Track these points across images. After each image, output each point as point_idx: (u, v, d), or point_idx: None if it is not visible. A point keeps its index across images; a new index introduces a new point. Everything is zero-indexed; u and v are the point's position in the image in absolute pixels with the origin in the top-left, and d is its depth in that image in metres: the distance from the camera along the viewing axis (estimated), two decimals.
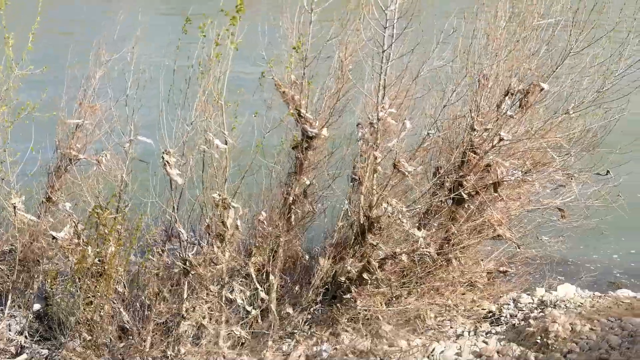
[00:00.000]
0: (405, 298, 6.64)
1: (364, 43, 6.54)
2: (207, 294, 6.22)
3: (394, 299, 6.62)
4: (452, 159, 6.84)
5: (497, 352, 6.39)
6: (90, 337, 6.14)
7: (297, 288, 6.65)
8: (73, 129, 6.76)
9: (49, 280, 6.52)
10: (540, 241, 7.16)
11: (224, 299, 6.27)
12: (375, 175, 6.52)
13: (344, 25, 6.53)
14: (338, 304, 6.59)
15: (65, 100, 6.63)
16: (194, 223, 6.49)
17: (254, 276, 6.41)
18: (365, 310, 6.50)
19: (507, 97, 6.90)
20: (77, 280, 6.17)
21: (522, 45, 6.87)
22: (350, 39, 6.59)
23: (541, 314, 6.76)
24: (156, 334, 6.15)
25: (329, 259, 6.55)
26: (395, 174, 6.54)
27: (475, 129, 6.85)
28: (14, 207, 6.30)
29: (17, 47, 6.08)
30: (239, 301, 6.31)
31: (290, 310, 6.48)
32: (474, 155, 6.80)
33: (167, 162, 5.99)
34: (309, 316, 6.56)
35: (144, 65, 6.36)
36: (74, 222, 6.26)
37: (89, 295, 6.13)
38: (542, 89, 6.76)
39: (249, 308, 6.36)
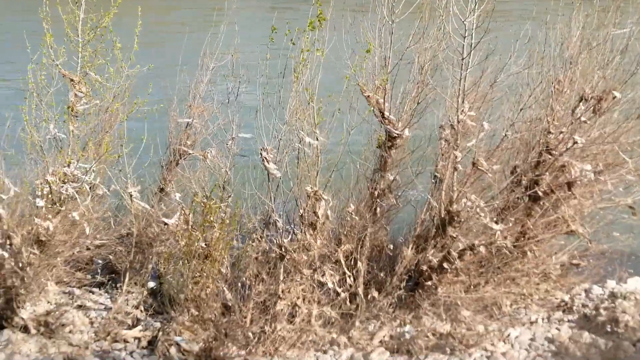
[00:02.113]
0: (483, 286, 7.07)
1: (442, 49, 7.07)
2: (301, 277, 6.78)
3: (472, 287, 7.05)
4: (529, 159, 7.28)
5: (569, 339, 6.78)
6: (197, 313, 6.82)
7: (382, 274, 7.17)
8: (184, 127, 7.55)
9: (161, 261, 7.19)
10: (612, 237, 7.49)
11: (316, 282, 6.85)
12: (455, 173, 7.01)
13: (423, 33, 7.06)
14: (420, 290, 7.07)
15: (176, 102, 7.42)
16: (289, 213, 7.07)
17: (343, 262, 6.96)
18: (446, 297, 6.96)
19: (581, 103, 7.30)
20: (185, 261, 6.88)
21: (596, 53, 7.27)
22: (429, 45, 7.11)
23: (612, 304, 7.08)
24: (255, 311, 6.73)
25: (411, 249, 7.07)
26: (475, 171, 7.02)
27: (550, 132, 7.27)
28: (131, 196, 7.11)
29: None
30: (330, 284, 6.85)
31: (375, 294, 7.00)
32: (549, 156, 7.19)
33: (265, 157, 6.65)
34: (393, 300, 7.01)
35: (243, 70, 7.07)
36: (184, 210, 7.00)
37: (196, 275, 6.80)
38: (614, 97, 7.15)
39: (338, 290, 6.88)
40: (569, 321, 7.07)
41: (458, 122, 6.99)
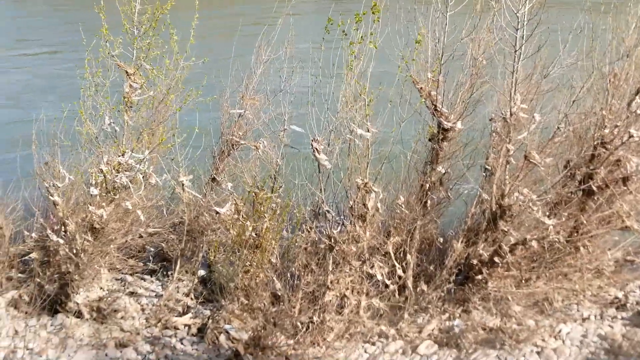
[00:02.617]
0: (534, 282, 6.97)
1: (495, 41, 6.98)
2: (350, 268, 6.76)
3: (523, 281, 6.95)
4: (582, 153, 7.14)
5: (623, 337, 6.65)
6: (247, 302, 6.87)
7: (431, 268, 7.12)
8: (236, 118, 7.56)
9: (211, 250, 7.26)
10: None
11: (365, 273, 6.84)
12: (507, 166, 6.92)
13: (476, 25, 6.98)
14: (470, 284, 7.01)
15: (229, 93, 7.47)
16: (339, 204, 7.07)
17: (392, 254, 6.94)
18: (496, 291, 6.89)
19: (637, 96, 7.13)
20: (236, 250, 6.93)
21: None
22: (482, 37, 7.03)
23: None
24: (304, 301, 6.73)
25: (462, 242, 7.01)
26: (527, 165, 6.91)
27: (605, 126, 7.12)
28: (183, 185, 7.17)
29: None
30: (379, 276, 6.83)
31: (424, 287, 6.96)
32: (604, 150, 7.05)
33: (316, 149, 6.62)
34: (442, 293, 6.96)
35: (296, 62, 7.09)
36: (235, 199, 7.04)
37: (246, 264, 6.84)
38: None
39: (387, 283, 6.86)
40: (622, 318, 6.93)
41: (510, 114, 6.89)
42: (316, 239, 6.91)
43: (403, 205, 6.99)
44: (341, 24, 6.31)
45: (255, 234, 6.85)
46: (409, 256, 6.97)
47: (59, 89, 16.40)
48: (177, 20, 6.96)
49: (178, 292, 7.26)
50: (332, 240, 6.66)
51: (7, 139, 12.16)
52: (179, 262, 7.38)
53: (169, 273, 7.54)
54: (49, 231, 6.92)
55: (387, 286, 6.91)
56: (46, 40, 24.59)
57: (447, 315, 6.95)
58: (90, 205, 6.77)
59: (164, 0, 6.63)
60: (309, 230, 6.96)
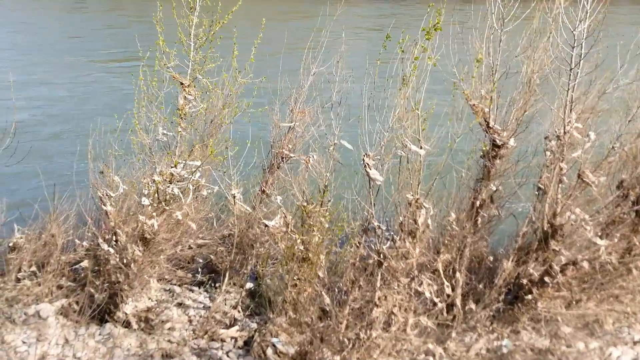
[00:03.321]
0: (585, 303, 6.82)
1: (551, 59, 6.89)
2: (398, 285, 6.69)
3: (573, 302, 6.81)
4: (636, 173, 7.00)
5: None
6: (294, 315, 6.83)
7: (481, 286, 7.02)
8: (285, 131, 7.57)
9: (260, 263, 7.26)
10: None
11: (413, 290, 6.76)
12: (560, 185, 6.81)
13: (532, 43, 6.90)
14: (519, 304, 6.89)
15: (278, 106, 7.47)
16: (389, 220, 7.05)
17: (441, 272, 6.85)
18: (546, 312, 6.76)
19: None
20: (284, 264, 6.92)
21: None
22: (538, 55, 6.94)
23: None
24: (351, 317, 6.67)
25: (512, 261, 6.90)
26: (580, 184, 6.80)
27: None
28: (234, 197, 7.17)
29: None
30: (427, 294, 6.74)
31: (473, 306, 6.86)
32: None
33: (367, 163, 6.59)
34: (491, 313, 6.84)
35: (348, 76, 7.05)
36: (284, 213, 7.01)
37: (294, 278, 6.82)
38: None
39: (435, 300, 6.77)
40: None
41: (565, 133, 6.78)
42: (365, 254, 6.84)
43: (454, 223, 6.90)
44: (401, 42, 6.30)
45: (304, 248, 6.80)
46: (458, 274, 6.87)
47: (115, 99, 16.70)
48: (232, 31, 6.98)
49: (226, 304, 7.24)
50: (381, 256, 6.59)
51: (63, 149, 12.38)
52: (227, 274, 7.37)
53: (217, 285, 7.52)
54: (100, 240, 6.96)
55: (435, 304, 6.81)
56: (102, 51, 25.07)
57: (495, 334, 6.83)
58: (142, 215, 6.79)
59: (222, 13, 6.66)
60: (358, 245, 6.89)
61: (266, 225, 7.00)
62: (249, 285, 7.45)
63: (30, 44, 26.96)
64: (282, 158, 7.61)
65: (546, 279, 6.76)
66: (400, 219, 6.71)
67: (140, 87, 6.60)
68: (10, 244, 7.46)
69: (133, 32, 6.36)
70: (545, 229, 6.79)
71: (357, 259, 6.87)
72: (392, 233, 7.00)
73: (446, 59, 6.73)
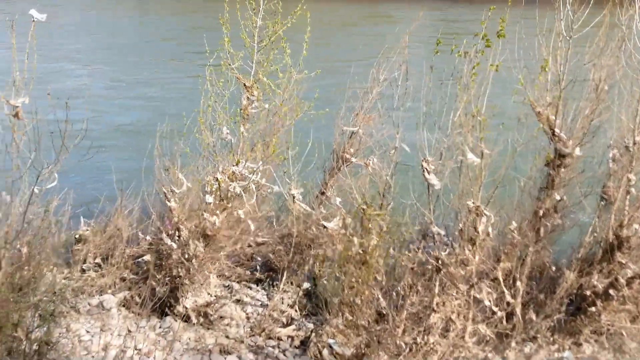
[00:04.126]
0: None
1: (620, 66, 6.68)
2: (457, 291, 6.57)
3: (639, 317, 6.63)
4: None
5: None
6: (351, 318, 6.78)
7: (542, 296, 6.83)
8: (348, 135, 7.59)
9: (317, 264, 7.25)
10: None
11: (472, 298, 6.64)
12: (628, 197, 6.59)
13: (601, 49, 6.71)
14: (582, 316, 6.67)
15: (344, 110, 7.49)
16: (448, 226, 6.94)
17: (501, 280, 6.70)
18: (610, 325, 6.54)
19: None
20: (342, 265, 6.91)
21: None
22: (606, 63, 6.74)
23: None
24: (408, 322, 6.59)
25: (575, 272, 6.70)
26: None
27: None
28: (293, 197, 7.21)
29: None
30: (486, 302, 6.61)
31: (534, 316, 6.67)
32: None
33: (426, 168, 6.53)
34: (552, 323, 6.64)
35: (410, 82, 7.00)
36: (343, 215, 7.02)
37: (351, 280, 6.79)
38: None
39: (495, 309, 6.63)
40: None
41: (634, 143, 6.57)
42: (423, 259, 6.75)
43: (515, 231, 6.75)
44: (454, 47, 6.23)
45: (362, 251, 6.75)
46: (518, 283, 6.71)
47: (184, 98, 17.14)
48: (298, 34, 7.04)
49: (283, 303, 7.25)
50: (440, 262, 6.49)
51: (131, 145, 12.74)
52: (285, 274, 7.39)
53: (275, 283, 7.55)
54: (163, 235, 7.09)
55: (494, 312, 6.66)
56: (170, 51, 25.76)
57: (556, 346, 6.64)
58: (205, 212, 6.89)
59: (285, 15, 6.73)
60: (417, 250, 6.83)
61: (325, 227, 7.03)
62: (306, 285, 7.44)
63: (125, 45, 27.94)
64: (344, 161, 7.59)
65: (611, 291, 6.54)
66: (460, 225, 6.61)
67: (207, 87, 6.72)
68: (77, 236, 7.69)
69: (219, 33, 6.45)
70: (611, 240, 6.58)
71: (416, 264, 6.80)
72: (451, 239, 6.90)
73: (509, 61, 6.63)
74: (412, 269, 6.77)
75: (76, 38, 30.18)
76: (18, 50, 5.61)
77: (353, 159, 7.50)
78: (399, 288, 6.76)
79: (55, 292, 6.66)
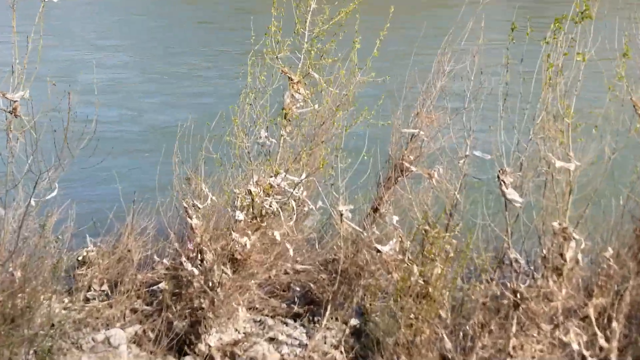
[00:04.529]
0: None
1: None
2: (538, 332, 6.71)
3: None
4: None
5: None
6: None
7: None
8: (408, 139, 7.74)
9: (368, 296, 7.44)
10: None
11: (557, 340, 6.75)
12: None
13: None
14: None
15: (401, 109, 7.68)
16: (529, 251, 7.05)
17: (593, 319, 6.80)
18: None
19: None
20: (398, 298, 7.05)
21: None
22: None
23: None
24: None
25: None
26: None
27: None
28: (341, 216, 7.39)
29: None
30: (574, 345, 6.69)
31: None
32: None
33: (503, 182, 6.66)
34: None
35: (485, 76, 7.16)
36: (400, 236, 7.17)
37: (410, 316, 6.94)
38: None
39: (585, 354, 6.72)
40: None
41: None
42: (498, 292, 6.89)
43: (611, 259, 6.85)
44: (530, 31, 6.37)
45: (423, 281, 6.90)
46: (614, 323, 6.81)
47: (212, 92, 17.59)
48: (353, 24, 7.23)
49: (326, 343, 7.41)
50: (518, 296, 6.63)
51: (145, 147, 13.08)
52: (329, 307, 7.55)
53: (316, 319, 7.72)
54: (183, 259, 7.31)
55: (584, 358, 6.78)
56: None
57: None
58: (234, 231, 7.10)
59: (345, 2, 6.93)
60: (490, 281, 6.96)
61: (378, 251, 7.18)
62: (354, 321, 7.61)
63: (156, 29, 28.68)
64: (402, 171, 7.75)
65: None
66: (544, 251, 6.73)
67: (249, 80, 6.92)
68: (80, 258, 7.94)
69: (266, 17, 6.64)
70: None
71: (488, 298, 6.93)
72: (532, 268, 7.02)
73: (605, 52, 6.71)
74: (484, 304, 6.90)
75: (100, 21, 31.01)
76: (27, 35, 5.84)
77: (413, 168, 7.65)
78: (467, 327, 6.90)
79: (53, 325, 6.93)
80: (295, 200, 7.23)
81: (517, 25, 6.63)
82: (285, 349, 7.47)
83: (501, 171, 6.59)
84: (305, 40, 7.08)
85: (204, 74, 21.28)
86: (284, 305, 8.00)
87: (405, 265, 7.00)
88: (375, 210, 7.96)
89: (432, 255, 6.89)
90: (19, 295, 6.61)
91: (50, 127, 6.16)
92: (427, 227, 6.91)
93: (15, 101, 6.19)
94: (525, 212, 6.71)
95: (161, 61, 23.17)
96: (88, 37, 27.29)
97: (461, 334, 6.93)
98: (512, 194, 6.58)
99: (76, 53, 23.47)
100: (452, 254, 6.95)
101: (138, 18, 32.44)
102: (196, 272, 7.24)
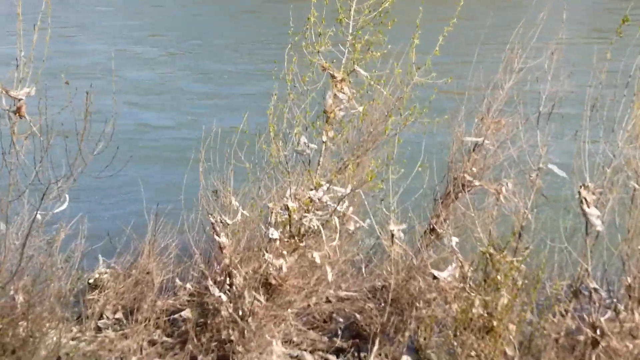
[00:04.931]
0: None
1: None
2: None
3: None
4: None
5: None
6: None
7: None
8: (470, 148, 8.07)
9: (422, 329, 7.71)
10: None
11: None
12: None
13: None
14: None
15: (463, 114, 7.99)
16: (611, 280, 7.33)
17: None
18: None
19: None
20: (457, 333, 7.37)
21: None
22: None
23: None
24: None
25: None
26: None
27: None
28: (392, 236, 7.74)
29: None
30: None
31: None
32: None
33: (584, 198, 6.97)
34: None
35: (564, 75, 7.47)
36: (461, 261, 7.41)
37: (471, 354, 7.25)
38: None
39: None
40: None
41: None
42: (573, 327, 7.17)
43: None
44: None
45: (487, 313, 7.15)
46: None
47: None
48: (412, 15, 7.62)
49: None
50: (598, 332, 6.87)
51: (171, 155, 13.76)
52: (377, 342, 7.86)
53: (363, 355, 8.04)
54: (209, 283, 7.64)
55: None
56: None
57: None
58: (267, 252, 7.47)
59: None
60: (564, 313, 7.23)
61: (435, 277, 7.43)
62: (406, 358, 7.89)
63: (198, 19, 29.49)
64: (463, 185, 8.02)
65: None
66: (629, 280, 6.97)
67: (288, 79, 7.35)
68: (91, 281, 8.33)
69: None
70: None
71: (562, 334, 7.15)
72: (614, 300, 7.27)
73: None
74: (556, 340, 7.17)
75: (134, 9, 31.82)
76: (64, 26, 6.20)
77: (476, 183, 7.96)
78: None
79: (59, 358, 7.27)
80: (338, 217, 7.56)
81: (629, 18, 6.91)
82: None
83: (583, 187, 6.91)
84: (350, 32, 7.47)
85: (250, 68, 21.94)
86: (325, 338, 8.26)
87: (466, 294, 7.23)
88: (432, 230, 8.24)
89: (498, 283, 7.14)
90: (21, 323, 6.90)
91: (64, 131, 6.42)
92: (492, 251, 7.17)
93: (20, 99, 6.44)
94: (607, 233, 6.99)
95: (209, 56, 24.39)
96: (122, 29, 28.29)
97: None
98: (594, 213, 6.87)
99: (110, 47, 24.70)
100: (520, 283, 7.20)
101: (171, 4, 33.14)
102: (224, 298, 7.52)
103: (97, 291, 8.31)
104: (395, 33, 7.58)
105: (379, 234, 7.94)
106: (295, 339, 8.12)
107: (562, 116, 7.37)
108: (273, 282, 7.58)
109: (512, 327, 7.20)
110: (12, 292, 7.03)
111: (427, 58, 7.53)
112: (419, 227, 8.39)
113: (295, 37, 7.51)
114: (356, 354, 8.18)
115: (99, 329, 8.26)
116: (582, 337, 7.07)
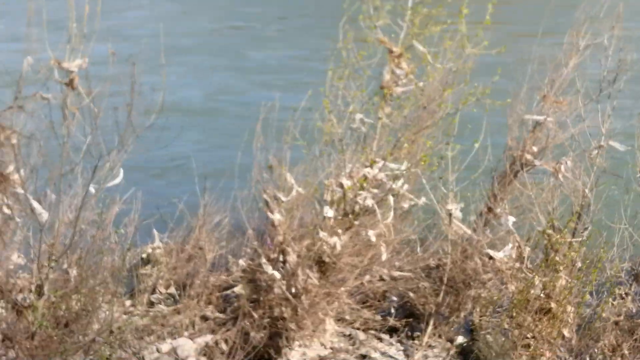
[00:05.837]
0: None
1: None
2: None
3: None
4: None
5: None
6: None
7: None
8: (531, 127, 7.93)
9: (478, 309, 7.71)
10: None
11: None
12: None
13: None
14: None
15: (525, 91, 7.83)
16: None
17: None
18: None
19: None
20: (514, 314, 7.30)
21: None
22: None
23: None
24: None
25: None
26: None
27: None
28: (450, 215, 7.70)
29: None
30: None
31: None
32: None
33: None
34: None
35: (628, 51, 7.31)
36: (518, 241, 7.29)
37: (528, 336, 7.17)
38: None
39: None
40: None
41: None
42: (634, 310, 7.11)
43: None
44: None
45: (545, 295, 7.08)
46: None
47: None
48: None
49: None
50: None
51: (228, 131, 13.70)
52: (431, 322, 7.88)
53: (416, 335, 8.06)
54: (262, 260, 7.61)
55: None
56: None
57: None
58: (322, 230, 7.45)
59: None
60: (625, 296, 7.14)
61: (491, 258, 7.36)
62: (461, 339, 7.93)
63: None
64: (522, 165, 7.90)
65: None
66: None
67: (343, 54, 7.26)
68: (144, 255, 8.39)
69: None
70: None
71: (622, 317, 7.07)
72: None
73: None
74: (616, 323, 7.07)
75: None
76: None
77: (536, 162, 7.83)
78: (596, 350, 7.07)
79: (112, 332, 7.23)
80: (394, 195, 7.50)
81: None
82: None
83: None
84: (409, 5, 7.38)
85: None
86: (378, 317, 8.27)
87: (524, 275, 7.11)
88: (490, 210, 8.12)
89: (556, 265, 7.07)
90: (74, 296, 6.91)
91: (115, 105, 6.36)
92: (550, 232, 7.09)
93: (72, 71, 6.33)
94: None
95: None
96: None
97: (588, 358, 7.10)
98: None
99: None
100: (579, 264, 7.12)
101: None
102: (277, 275, 7.52)
103: (149, 266, 8.36)
104: (455, 8, 7.46)
105: (438, 211, 7.86)
106: (348, 317, 8.11)
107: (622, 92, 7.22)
108: (326, 260, 7.56)
109: (570, 309, 7.12)
110: (65, 266, 7.00)
111: (479, 29, 7.41)
112: (475, 206, 8.26)
113: (350, 10, 7.37)
114: (410, 334, 8.19)
115: (151, 304, 8.35)
116: None
